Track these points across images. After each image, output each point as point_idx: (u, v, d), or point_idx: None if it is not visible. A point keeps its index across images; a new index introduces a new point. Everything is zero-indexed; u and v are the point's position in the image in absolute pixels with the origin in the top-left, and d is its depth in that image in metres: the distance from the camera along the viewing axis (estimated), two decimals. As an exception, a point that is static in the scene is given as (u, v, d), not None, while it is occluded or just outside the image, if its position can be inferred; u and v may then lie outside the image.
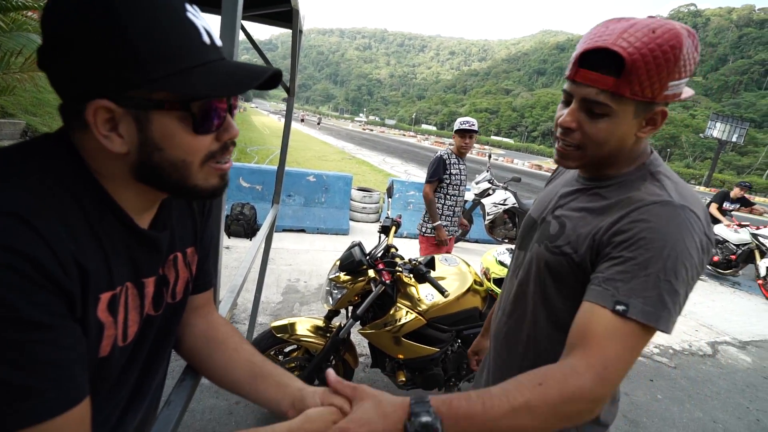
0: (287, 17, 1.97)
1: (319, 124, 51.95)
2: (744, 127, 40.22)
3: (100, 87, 0.44)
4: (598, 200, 0.80)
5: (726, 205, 6.58)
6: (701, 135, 43.37)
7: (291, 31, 2.06)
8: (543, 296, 0.86)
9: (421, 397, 0.61)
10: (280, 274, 4.02)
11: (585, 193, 0.84)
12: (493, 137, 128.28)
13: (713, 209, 6.58)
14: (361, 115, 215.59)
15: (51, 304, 0.42)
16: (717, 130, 38.82)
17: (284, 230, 5.35)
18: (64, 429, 0.42)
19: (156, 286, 0.60)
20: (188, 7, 0.47)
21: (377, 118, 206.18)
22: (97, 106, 0.44)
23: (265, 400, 0.69)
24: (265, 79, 0.50)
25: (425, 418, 0.58)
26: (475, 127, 3.05)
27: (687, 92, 0.73)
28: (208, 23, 0.51)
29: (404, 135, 74.61)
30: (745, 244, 6.06)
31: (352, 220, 6.26)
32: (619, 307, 0.66)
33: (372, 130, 73.40)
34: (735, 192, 6.48)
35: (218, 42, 0.51)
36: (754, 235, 5.96)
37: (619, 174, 0.80)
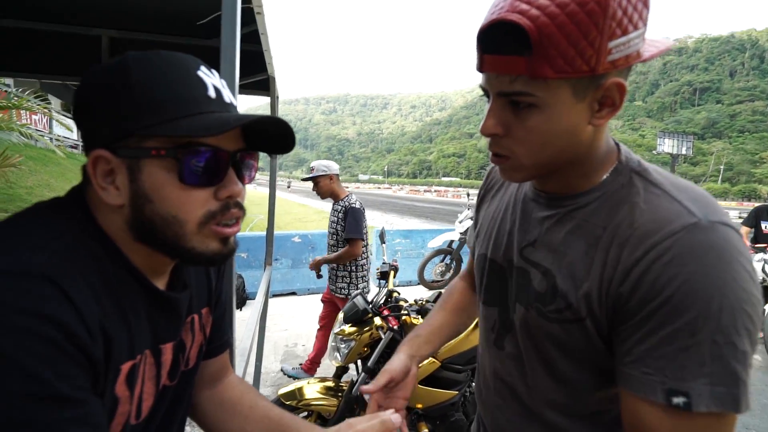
0: (264, 86, 2.08)
1: (288, 187, 52.59)
2: (689, 140, 43.54)
3: (101, 137, 0.45)
4: (581, 230, 0.58)
5: (765, 226, 4.14)
6: (654, 152, 46.38)
7: (267, 98, 2.18)
8: (545, 366, 0.64)
9: None
10: (277, 341, 3.84)
11: (559, 222, 0.61)
12: (464, 179, 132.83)
13: (744, 235, 4.30)
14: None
15: (79, 377, 0.39)
16: (667, 146, 41.72)
17: (274, 295, 5.19)
18: None
19: (173, 353, 0.56)
20: (202, 67, 0.49)
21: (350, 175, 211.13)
22: (95, 156, 0.45)
23: None
24: (281, 139, 0.51)
25: None
26: (314, 173, 2.75)
27: (654, 46, 0.52)
28: (223, 84, 0.51)
29: (379, 188, 76.35)
30: None
31: (342, 275, 6.16)
32: (677, 400, 0.46)
33: (347, 187, 74.84)
34: None
35: (228, 99, 0.50)
36: None
37: (594, 186, 0.59)
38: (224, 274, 0.73)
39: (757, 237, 4.14)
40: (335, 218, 2.81)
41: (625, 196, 0.55)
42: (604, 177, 0.58)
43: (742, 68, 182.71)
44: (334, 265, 2.83)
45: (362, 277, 2.91)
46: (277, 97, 2.16)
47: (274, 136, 0.53)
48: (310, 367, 3.04)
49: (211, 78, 0.49)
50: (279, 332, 4.02)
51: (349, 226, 2.68)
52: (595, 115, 0.53)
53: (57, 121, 9.19)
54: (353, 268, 2.85)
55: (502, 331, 0.70)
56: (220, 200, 0.48)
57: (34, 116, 9.64)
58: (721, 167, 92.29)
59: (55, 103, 15.26)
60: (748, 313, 0.46)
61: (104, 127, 0.45)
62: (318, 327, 3.10)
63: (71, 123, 12.44)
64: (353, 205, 2.74)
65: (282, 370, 3.07)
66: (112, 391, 0.44)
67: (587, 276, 0.55)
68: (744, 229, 4.18)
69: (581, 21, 0.45)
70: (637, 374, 0.49)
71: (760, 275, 3.64)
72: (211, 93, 0.47)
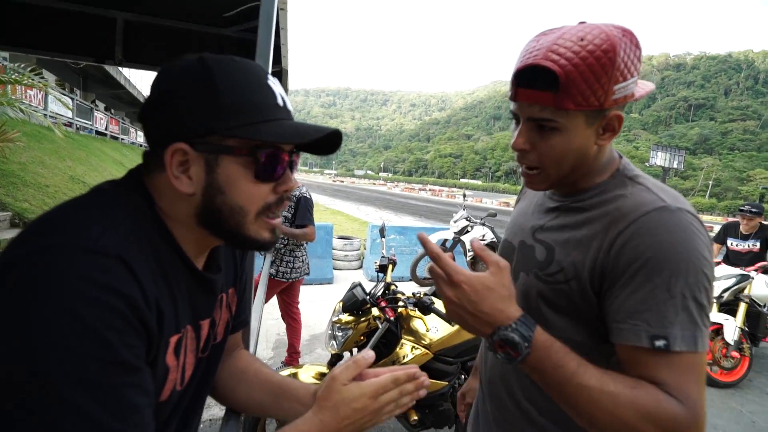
0: (277, 76, 2.12)
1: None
2: (681, 155, 44.07)
3: (184, 131, 0.50)
4: (580, 216, 0.73)
5: (732, 243, 4.27)
6: (646, 164, 47.05)
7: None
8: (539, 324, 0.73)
9: (531, 321, 0.62)
10: (268, 329, 3.89)
11: (564, 211, 0.77)
12: (460, 180, 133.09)
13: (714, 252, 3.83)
14: (327, 169, 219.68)
15: (139, 347, 0.44)
16: (659, 159, 42.26)
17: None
18: None
19: (209, 328, 0.62)
20: (269, 76, 0.55)
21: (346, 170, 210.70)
22: (175, 149, 0.50)
23: (293, 415, 0.69)
24: (327, 140, 0.56)
25: (516, 337, 0.59)
26: None
27: (643, 88, 0.70)
28: (284, 92, 0.58)
29: (374, 184, 76.27)
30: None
31: (335, 269, 6.22)
32: (659, 343, 0.59)
33: (342, 182, 74.62)
34: (743, 226, 4.15)
35: (290, 107, 0.56)
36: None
37: (595, 185, 0.74)
38: (247, 256, 0.79)
39: (727, 255, 4.27)
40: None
41: (615, 191, 0.71)
42: (603, 179, 0.74)
43: (736, 87, 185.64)
44: (282, 249, 2.91)
45: (305, 262, 3.03)
46: (287, 89, 2.20)
47: (324, 140, 0.58)
48: (291, 359, 3.09)
49: (276, 87, 0.55)
50: (271, 321, 4.06)
51: (302, 215, 2.81)
52: (599, 138, 0.69)
53: (54, 96, 9.01)
54: (298, 253, 2.96)
55: None
56: (277, 194, 0.56)
57: (29, 91, 9.46)
58: (710, 182, 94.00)
59: (50, 79, 14.99)
60: (706, 275, 0.61)
61: (187, 123, 0.50)
62: (282, 317, 3.16)
63: (68, 100, 12.23)
64: (304, 195, 2.88)
65: None
66: (163, 361, 0.50)
67: (577, 250, 0.71)
68: (715, 246, 4.26)
69: (596, 70, 0.61)
70: (627, 327, 0.62)
71: (718, 291, 3.71)
72: (279, 102, 0.54)
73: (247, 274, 0.80)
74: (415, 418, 1.97)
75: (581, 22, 0.66)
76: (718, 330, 3.54)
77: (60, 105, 10.21)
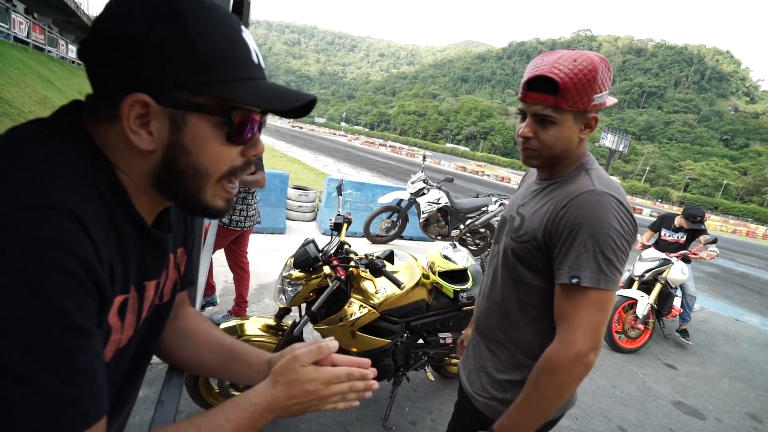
0: (237, 8, 1.90)
1: None
2: (628, 139, 47.01)
3: (146, 81, 0.44)
4: (547, 196, 1.01)
5: (664, 233, 4.68)
6: (596, 144, 49.77)
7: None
8: (511, 275, 1.06)
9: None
10: (216, 277, 3.80)
11: (539, 193, 1.06)
12: (420, 140, 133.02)
13: (646, 238, 4.82)
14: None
15: (92, 310, 0.41)
16: (608, 141, 44.84)
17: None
18: None
19: (154, 289, 0.59)
20: (243, 27, 0.49)
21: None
22: (134, 100, 0.44)
23: (240, 378, 0.72)
24: (303, 104, 0.51)
25: None
26: None
27: (610, 101, 0.99)
28: (257, 47, 0.52)
29: (335, 134, 74.06)
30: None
31: (288, 219, 6.12)
32: (574, 280, 0.89)
33: (302, 128, 71.62)
34: (678, 221, 4.54)
35: (263, 64, 0.52)
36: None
37: (564, 173, 1.01)
38: (195, 218, 0.74)
39: (658, 242, 4.70)
40: None
41: (572, 179, 0.99)
42: (570, 171, 1.01)
43: (685, 80, 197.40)
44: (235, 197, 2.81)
45: (257, 210, 3.00)
46: (249, 23, 1.99)
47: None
48: (239, 308, 3.08)
49: (250, 41, 0.50)
50: (218, 267, 3.96)
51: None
52: (581, 132, 0.98)
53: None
54: (250, 201, 2.90)
55: (495, 254, 1.16)
56: (245, 157, 0.52)
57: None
58: (647, 168, 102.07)
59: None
60: (612, 238, 0.88)
61: (151, 74, 0.43)
62: (231, 266, 3.11)
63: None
64: None
65: (213, 322, 3.05)
66: (106, 321, 0.46)
67: (537, 219, 0.99)
68: (648, 233, 4.84)
69: (584, 83, 0.88)
70: (560, 271, 0.92)
71: (682, 276, 4.18)
72: (254, 58, 0.50)
73: (196, 233, 0.76)
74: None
75: (572, 49, 0.94)
76: (633, 305, 4.02)
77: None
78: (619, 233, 0.88)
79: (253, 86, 0.48)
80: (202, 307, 2.98)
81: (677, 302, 4.46)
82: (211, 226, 2.00)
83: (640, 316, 3.92)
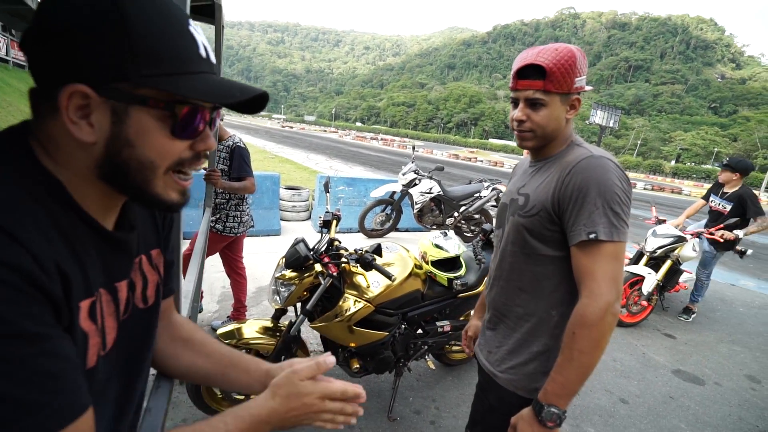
0: (209, 12, 1.89)
1: (222, 120, 48.88)
2: (617, 114, 46.94)
3: (85, 72, 0.44)
4: (546, 172, 1.12)
5: (712, 200, 4.19)
6: (587, 122, 49.73)
7: (211, 26, 1.98)
8: (523, 250, 1.14)
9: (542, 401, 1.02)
10: (213, 282, 3.82)
11: (537, 172, 1.16)
12: (411, 130, 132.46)
13: (697, 207, 4.44)
14: (275, 113, 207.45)
15: (43, 315, 0.41)
16: (598, 117, 44.80)
17: (210, 236, 5.04)
18: None
19: (127, 290, 0.59)
20: (191, 21, 0.49)
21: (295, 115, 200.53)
22: (73, 90, 0.43)
23: (238, 386, 0.73)
24: (251, 98, 0.51)
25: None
26: None
27: (588, 87, 1.11)
28: (206, 40, 0.52)
29: (325, 131, 73.60)
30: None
31: (282, 219, 6.11)
32: (591, 235, 0.97)
33: (292, 128, 71.15)
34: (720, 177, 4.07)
35: (213, 59, 0.52)
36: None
37: (557, 152, 1.13)
38: (174, 222, 0.74)
39: (710, 212, 4.27)
40: (219, 159, 2.73)
41: (566, 153, 1.10)
42: (562, 149, 1.12)
43: (671, 51, 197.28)
44: (226, 204, 2.81)
45: (250, 215, 2.97)
46: (223, 26, 1.97)
47: (248, 100, 0.54)
48: (238, 313, 3.09)
49: (198, 35, 0.50)
50: (216, 273, 3.97)
51: (238, 166, 2.67)
52: (567, 113, 1.09)
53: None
54: (244, 207, 2.89)
55: (501, 236, 1.23)
56: (194, 151, 0.52)
57: None
58: (638, 142, 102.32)
59: None
60: (618, 195, 0.99)
61: (90, 63, 0.43)
62: (227, 273, 3.11)
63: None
64: (238, 144, 2.73)
65: (212, 327, 3.06)
66: (78, 326, 0.47)
67: (543, 191, 1.08)
68: (700, 202, 4.40)
69: (567, 68, 1.01)
70: (575, 231, 1.01)
71: (693, 253, 4.04)
72: (202, 52, 0.49)
73: (175, 241, 0.76)
74: (357, 366, 2.10)
75: (554, 43, 1.06)
76: (639, 281, 3.89)
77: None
78: (621, 189, 0.99)
79: (196, 80, 0.47)
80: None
81: (683, 278, 4.30)
82: (201, 233, 2.00)
83: (645, 293, 3.83)
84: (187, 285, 1.20)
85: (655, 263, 4.12)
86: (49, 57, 0.44)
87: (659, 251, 4.01)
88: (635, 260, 4.23)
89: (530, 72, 1.03)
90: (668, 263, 4.02)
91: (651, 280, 3.85)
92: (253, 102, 0.53)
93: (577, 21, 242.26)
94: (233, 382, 0.73)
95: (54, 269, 0.43)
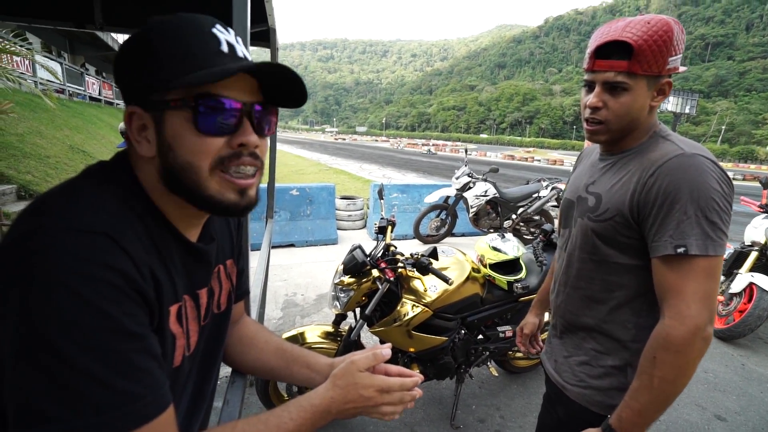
0: (264, 37, 2.03)
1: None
2: (694, 98, 42.29)
3: (133, 94, 0.51)
4: (623, 169, 0.95)
5: None
6: (658, 110, 45.36)
7: (267, 49, 2.13)
8: (593, 257, 1.01)
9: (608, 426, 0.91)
10: (277, 291, 4.03)
11: (611, 167, 0.99)
12: (462, 134, 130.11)
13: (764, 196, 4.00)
14: (328, 126, 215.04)
15: (140, 315, 0.47)
16: (671, 104, 40.72)
17: (273, 247, 5.33)
18: (161, 430, 0.46)
19: (207, 297, 0.64)
20: (217, 25, 0.52)
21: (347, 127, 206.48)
22: (130, 112, 0.51)
23: (301, 380, 0.77)
24: (291, 92, 0.55)
25: None
26: None
27: (682, 68, 0.92)
28: (238, 40, 0.54)
29: (377, 140, 74.94)
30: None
31: (339, 229, 6.30)
32: (680, 250, 0.82)
33: (345, 139, 73.38)
34: None
35: (241, 53, 0.53)
36: None
37: (636, 145, 0.95)
38: (243, 230, 0.80)
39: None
40: None
41: (650, 148, 0.93)
42: (643, 140, 0.95)
43: (759, 21, 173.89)
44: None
45: None
46: (277, 49, 2.11)
47: (286, 89, 0.56)
48: None
49: (224, 35, 0.52)
50: (279, 282, 4.20)
51: None
52: (654, 99, 0.91)
53: (40, 64, 8.67)
54: None
55: (567, 238, 1.10)
56: (232, 148, 0.52)
57: (14, 57, 9.10)
58: (723, 127, 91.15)
59: (35, 43, 14.34)
60: (716, 201, 0.82)
61: (133, 85, 0.51)
62: None
63: (55, 66, 11.82)
64: None
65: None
66: (168, 328, 0.53)
67: (619, 193, 0.93)
68: (765, 192, 4.02)
69: (660, 45, 0.84)
70: (659, 243, 0.85)
71: (763, 238, 3.60)
72: (224, 48, 0.51)
73: (245, 247, 0.82)
74: (417, 371, 2.09)
75: (640, 14, 0.90)
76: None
77: (47, 72, 9.86)
78: (720, 194, 0.82)
79: (211, 71, 0.49)
80: None
81: None
82: (264, 242, 2.13)
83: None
84: (254, 290, 1.28)
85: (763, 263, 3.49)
86: (120, 88, 0.53)
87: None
88: (733, 262, 3.68)
89: (612, 50, 0.86)
90: None
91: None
92: (295, 95, 0.57)
93: (640, 2, 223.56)
94: (296, 375, 0.77)
95: (149, 275, 0.49)
